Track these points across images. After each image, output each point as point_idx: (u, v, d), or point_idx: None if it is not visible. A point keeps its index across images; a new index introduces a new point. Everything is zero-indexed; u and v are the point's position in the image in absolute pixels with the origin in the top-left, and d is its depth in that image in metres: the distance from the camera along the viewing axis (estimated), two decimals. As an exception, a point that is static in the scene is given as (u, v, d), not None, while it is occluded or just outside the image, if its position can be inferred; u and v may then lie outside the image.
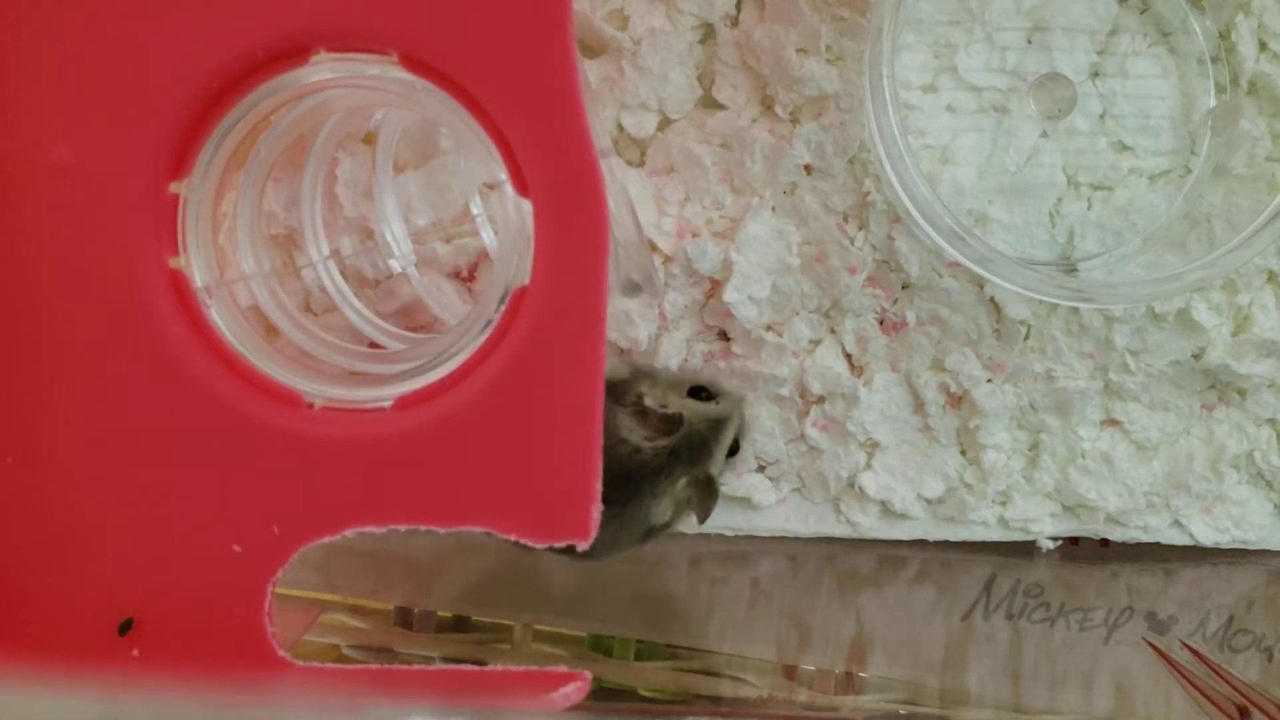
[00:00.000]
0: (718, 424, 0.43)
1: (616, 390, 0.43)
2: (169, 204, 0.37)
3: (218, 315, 0.37)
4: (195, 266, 0.37)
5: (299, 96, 0.38)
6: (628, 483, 0.41)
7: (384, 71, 0.36)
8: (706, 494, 0.42)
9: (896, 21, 0.42)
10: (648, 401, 0.42)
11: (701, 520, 0.43)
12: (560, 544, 0.36)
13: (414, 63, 0.35)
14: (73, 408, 0.36)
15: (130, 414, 0.36)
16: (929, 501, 0.49)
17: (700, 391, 0.45)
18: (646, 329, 0.47)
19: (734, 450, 0.45)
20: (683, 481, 0.42)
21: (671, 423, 0.42)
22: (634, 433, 0.42)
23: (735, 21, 0.46)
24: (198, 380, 0.36)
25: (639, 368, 0.45)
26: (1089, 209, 0.47)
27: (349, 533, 0.36)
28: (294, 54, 0.36)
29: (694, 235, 0.46)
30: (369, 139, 0.44)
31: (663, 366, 0.47)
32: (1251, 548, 0.49)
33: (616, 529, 0.41)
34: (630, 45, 0.46)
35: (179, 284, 0.37)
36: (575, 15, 0.35)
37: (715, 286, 0.47)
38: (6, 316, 0.36)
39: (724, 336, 0.48)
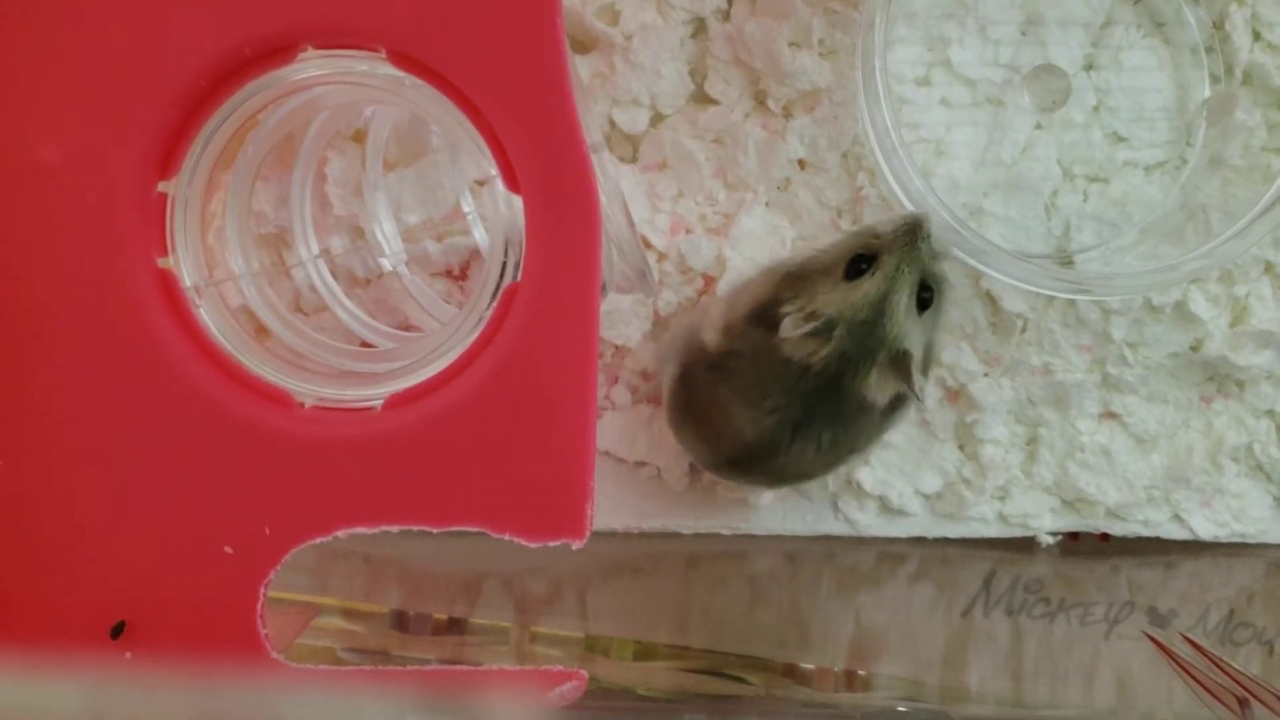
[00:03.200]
0: (878, 302, 0.39)
1: (767, 317, 0.39)
2: (157, 204, 0.36)
3: (207, 315, 0.37)
4: (184, 266, 0.37)
5: (287, 94, 0.37)
6: (822, 402, 0.39)
7: (372, 68, 0.36)
8: (900, 373, 0.39)
9: (889, 15, 0.42)
10: (787, 324, 0.38)
11: (919, 398, 0.39)
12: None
13: (402, 58, 0.35)
14: (61, 409, 0.36)
15: (119, 415, 0.36)
16: (927, 498, 0.48)
17: (859, 263, 0.39)
18: (641, 326, 0.47)
19: (926, 303, 0.40)
20: (873, 374, 0.39)
21: (821, 330, 0.38)
22: (797, 351, 0.39)
23: (727, 16, 0.46)
24: (187, 380, 0.36)
25: (785, 274, 0.40)
26: (1085, 201, 0.47)
27: (341, 534, 0.36)
28: (281, 51, 0.36)
29: (687, 231, 0.46)
30: (358, 137, 0.44)
31: (818, 249, 0.41)
32: (1251, 541, 0.49)
33: (831, 454, 0.41)
34: (621, 40, 0.45)
35: (168, 284, 0.37)
36: (566, 10, 0.35)
37: (709, 283, 0.46)
38: (-6, 318, 0.36)
39: (719, 333, 0.47)
